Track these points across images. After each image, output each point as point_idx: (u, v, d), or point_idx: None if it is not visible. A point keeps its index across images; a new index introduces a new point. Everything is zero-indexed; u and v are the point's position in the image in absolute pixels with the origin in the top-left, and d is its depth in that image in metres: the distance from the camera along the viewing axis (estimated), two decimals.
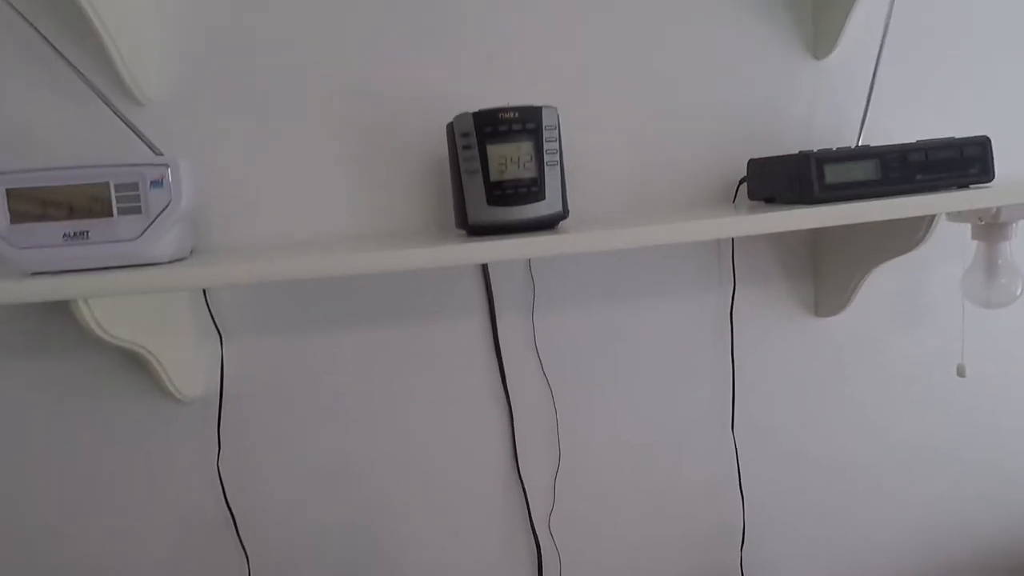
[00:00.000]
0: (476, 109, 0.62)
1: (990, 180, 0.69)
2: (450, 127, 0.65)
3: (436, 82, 0.79)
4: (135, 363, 0.78)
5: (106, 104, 0.64)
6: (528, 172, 0.63)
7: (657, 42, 0.82)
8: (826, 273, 0.88)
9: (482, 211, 0.63)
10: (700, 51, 0.83)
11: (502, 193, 0.63)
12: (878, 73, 0.76)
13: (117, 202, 0.60)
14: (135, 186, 0.61)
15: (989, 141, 0.68)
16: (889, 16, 0.75)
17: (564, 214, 0.65)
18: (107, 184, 0.60)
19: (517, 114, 0.62)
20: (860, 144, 0.84)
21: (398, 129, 0.79)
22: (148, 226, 0.61)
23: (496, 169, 0.62)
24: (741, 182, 0.83)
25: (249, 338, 0.80)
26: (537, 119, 0.62)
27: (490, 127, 0.62)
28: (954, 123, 0.90)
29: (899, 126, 0.89)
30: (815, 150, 0.67)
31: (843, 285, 0.85)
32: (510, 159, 0.62)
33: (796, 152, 0.70)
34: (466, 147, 0.63)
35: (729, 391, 0.90)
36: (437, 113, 0.79)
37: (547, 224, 0.65)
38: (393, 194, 0.80)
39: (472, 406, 0.86)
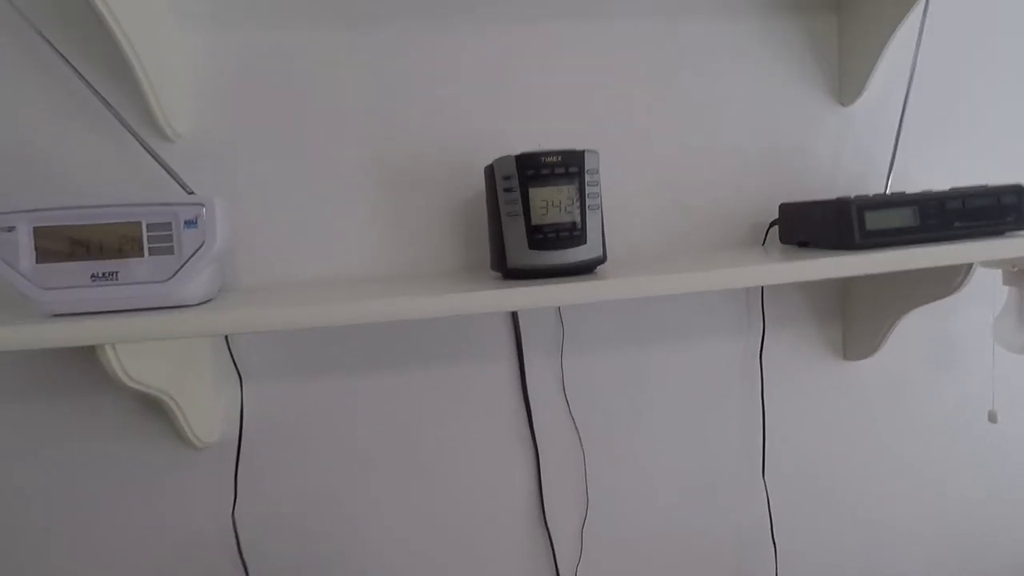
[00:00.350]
0: (515, 152, 0.62)
1: None
2: (489, 169, 0.64)
3: (470, 123, 0.79)
4: (153, 408, 0.75)
5: (137, 140, 0.63)
6: (570, 216, 0.62)
7: (686, 87, 0.83)
8: (856, 317, 0.87)
9: (522, 254, 0.62)
10: (728, 96, 0.84)
11: (543, 237, 0.61)
12: (904, 119, 0.76)
13: (149, 242, 0.59)
14: (168, 226, 0.59)
15: (1023, 189, 0.68)
16: (915, 65, 0.76)
17: (603, 258, 0.64)
18: (139, 223, 0.58)
19: (560, 158, 0.61)
20: (888, 190, 0.85)
21: (430, 169, 0.79)
22: (180, 267, 0.59)
23: (538, 213, 0.61)
24: (772, 225, 0.83)
25: (269, 381, 0.78)
26: (580, 163, 0.62)
27: (532, 170, 0.61)
28: (980, 169, 0.91)
29: (923, 172, 0.89)
30: (853, 196, 0.67)
31: (874, 329, 0.84)
32: (552, 203, 0.62)
33: (833, 198, 0.70)
34: (508, 189, 0.62)
35: (759, 436, 0.88)
36: (470, 154, 0.79)
37: (586, 268, 0.64)
38: (424, 235, 0.79)
39: (497, 451, 0.83)
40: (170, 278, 0.58)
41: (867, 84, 0.83)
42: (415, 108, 0.78)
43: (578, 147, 0.66)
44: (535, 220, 0.61)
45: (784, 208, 0.78)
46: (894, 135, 0.86)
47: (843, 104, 0.86)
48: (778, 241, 0.80)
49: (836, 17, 0.85)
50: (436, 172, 0.79)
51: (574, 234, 0.62)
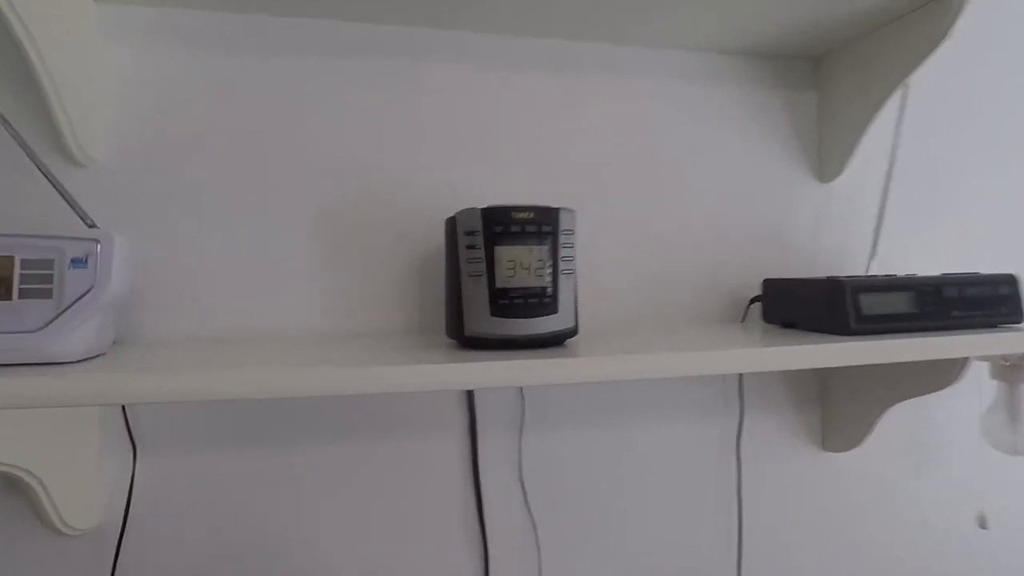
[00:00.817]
0: (481, 205, 0.54)
1: (1020, 320, 0.65)
2: (451, 222, 0.56)
3: (431, 171, 0.72)
4: (9, 487, 0.60)
5: (28, 156, 0.53)
6: (540, 280, 0.54)
7: (667, 150, 0.78)
8: (838, 408, 0.81)
9: (483, 321, 0.53)
10: (709, 163, 0.80)
11: (509, 302, 0.53)
12: (887, 199, 0.73)
13: (22, 282, 0.47)
14: (49, 263, 0.48)
15: (1018, 280, 0.65)
16: (895, 146, 0.74)
17: (575, 330, 0.56)
18: (11, 259, 0.47)
19: (533, 214, 0.54)
20: (868, 272, 0.81)
21: (378, 217, 0.70)
22: (58, 315, 0.47)
23: (504, 274, 0.53)
24: (753, 301, 0.77)
25: (172, 452, 0.65)
26: (554, 222, 0.54)
27: (500, 226, 0.53)
28: (960, 253, 0.89)
29: (900, 254, 0.86)
30: (845, 277, 0.62)
31: (857, 421, 0.78)
32: (520, 264, 0.54)
33: (822, 277, 0.65)
34: (471, 246, 0.54)
35: (735, 529, 0.79)
36: (428, 204, 0.71)
37: (555, 341, 0.55)
38: (372, 290, 0.70)
39: (440, 544, 0.71)
40: (43, 327, 0.47)
41: (847, 163, 0.80)
42: (369, 148, 0.70)
43: (551, 205, 0.58)
44: (500, 282, 0.53)
45: (769, 284, 0.72)
46: (874, 213, 0.83)
47: (823, 181, 0.83)
48: (760, 319, 0.74)
49: (816, 94, 0.83)
50: (389, 221, 0.70)
51: (544, 301, 0.54)
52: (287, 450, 0.68)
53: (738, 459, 0.80)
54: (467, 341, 0.55)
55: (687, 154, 0.79)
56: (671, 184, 0.78)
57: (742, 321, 0.79)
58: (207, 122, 0.66)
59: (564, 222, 0.55)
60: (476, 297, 0.54)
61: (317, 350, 0.56)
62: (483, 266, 0.53)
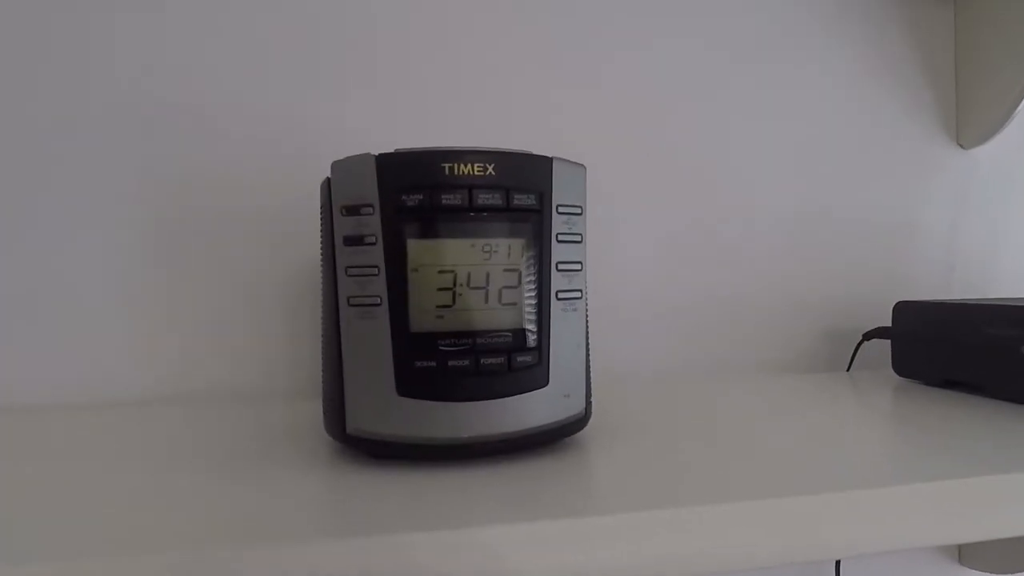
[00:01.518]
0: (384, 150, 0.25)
1: None
2: (325, 189, 0.26)
3: (311, 111, 0.42)
4: None
5: None
6: (509, 314, 0.24)
7: (723, 111, 0.49)
8: None
9: (381, 407, 0.24)
10: (788, 128, 0.50)
11: (439, 365, 0.24)
12: None
13: None
14: None
15: None
16: None
17: (584, 417, 0.27)
18: None
19: (493, 167, 0.24)
20: None
21: (226, 195, 0.41)
22: None
23: (425, 300, 0.24)
24: (868, 337, 0.47)
25: None
26: (541, 185, 0.25)
27: (420, 192, 0.24)
28: None
29: None
30: None
31: None
32: (466, 278, 0.24)
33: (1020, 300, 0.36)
34: (353, 239, 0.24)
35: None
36: (306, 170, 0.42)
37: (541, 441, 0.26)
38: (209, 324, 0.40)
39: None
40: None
41: (1004, 122, 0.51)
42: (213, 76, 0.41)
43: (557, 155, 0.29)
44: (419, 321, 0.24)
45: (902, 311, 0.43)
46: None
47: (964, 146, 0.54)
48: (890, 369, 0.44)
49: (953, 13, 0.54)
50: (245, 199, 0.41)
51: (519, 360, 0.24)
52: None
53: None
54: (354, 443, 0.25)
55: (757, 108, 0.50)
56: (732, 154, 0.49)
57: (848, 370, 0.49)
58: None
59: (564, 188, 0.26)
60: (367, 352, 0.24)
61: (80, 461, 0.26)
62: (380, 283, 0.24)
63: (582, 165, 0.27)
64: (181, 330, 0.40)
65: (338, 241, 0.25)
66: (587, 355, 0.27)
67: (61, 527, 0.19)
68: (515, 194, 0.24)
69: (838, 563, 0.49)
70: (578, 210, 0.26)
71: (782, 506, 0.21)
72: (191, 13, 0.40)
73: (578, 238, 0.26)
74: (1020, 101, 0.50)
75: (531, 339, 0.25)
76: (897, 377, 0.44)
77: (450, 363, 0.24)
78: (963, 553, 0.54)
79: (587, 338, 0.27)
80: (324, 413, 0.27)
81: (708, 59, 0.49)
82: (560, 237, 0.26)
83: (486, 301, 0.24)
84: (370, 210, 0.24)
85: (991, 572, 0.52)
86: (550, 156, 0.26)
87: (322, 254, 0.27)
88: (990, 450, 0.27)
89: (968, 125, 0.53)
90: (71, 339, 0.38)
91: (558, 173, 0.25)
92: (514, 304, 0.25)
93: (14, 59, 0.38)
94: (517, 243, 0.25)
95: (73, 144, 0.39)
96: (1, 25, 0.38)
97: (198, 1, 0.40)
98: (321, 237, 0.27)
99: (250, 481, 0.23)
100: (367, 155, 0.24)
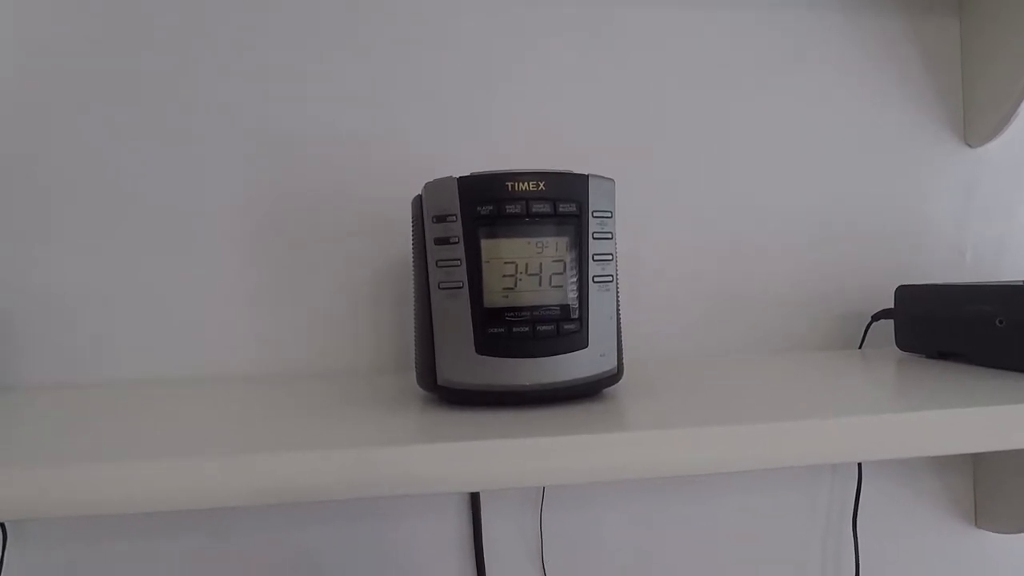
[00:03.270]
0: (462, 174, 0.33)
1: None
2: (417, 203, 0.35)
3: (395, 139, 0.51)
4: None
5: None
6: (558, 294, 0.33)
7: (741, 111, 0.56)
8: (1000, 467, 0.56)
9: (464, 363, 0.33)
10: (803, 127, 0.57)
11: (505, 331, 0.32)
12: None
13: None
14: None
15: None
16: None
17: (617, 373, 0.35)
18: None
19: (543, 184, 0.32)
20: None
21: (326, 207, 0.50)
22: None
23: (496, 284, 0.32)
24: (877, 317, 0.53)
25: (50, 537, 0.47)
26: (581, 197, 0.33)
27: (490, 205, 0.32)
28: None
29: None
30: None
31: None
32: (524, 267, 0.33)
33: (1004, 282, 0.41)
34: (442, 240, 0.33)
35: None
36: (396, 186, 0.51)
37: (584, 392, 0.34)
38: (314, 312, 0.50)
39: None
40: None
41: (1009, 119, 0.56)
42: (310, 114, 0.51)
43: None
44: (491, 299, 0.32)
45: (906, 295, 0.49)
46: None
47: (970, 144, 0.59)
48: (894, 346, 0.50)
49: (959, 20, 0.59)
50: (341, 212, 0.50)
51: (565, 328, 0.33)
52: (222, 537, 0.48)
53: (856, 541, 0.56)
54: (443, 393, 0.34)
55: (773, 109, 0.56)
56: (750, 155, 0.56)
57: (860, 347, 0.55)
58: (64, 95, 0.48)
59: (598, 198, 0.34)
60: (453, 323, 0.33)
61: (234, 418, 0.36)
62: (462, 271, 0.32)
63: (611, 179, 0.35)
64: (286, 317, 0.50)
65: (429, 242, 0.34)
66: (618, 325, 0.35)
67: (233, 440, 0.28)
68: (560, 203, 0.33)
69: (855, 516, 0.55)
70: (608, 214, 0.34)
71: (813, 429, 0.29)
72: (292, 67, 0.50)
73: (609, 235, 0.34)
74: (1019, 100, 0.54)
75: (574, 312, 0.33)
76: (900, 352, 0.50)
77: (514, 330, 0.32)
78: (979, 515, 0.59)
79: (618, 312, 0.35)
80: (416, 371, 0.36)
81: (730, 68, 0.55)
82: (595, 235, 0.34)
83: (540, 284, 0.33)
84: (454, 218, 0.33)
85: (1004, 532, 0.57)
86: (587, 174, 0.34)
87: (414, 252, 0.36)
88: (964, 396, 0.33)
89: (975, 124, 0.58)
90: (201, 325, 0.49)
91: (593, 186, 0.34)
92: (560, 287, 0.33)
93: (163, 93, 0.49)
94: (562, 240, 0.33)
95: (187, 178, 0.49)
96: (149, 65, 0.49)
97: (301, 55, 0.50)
98: (413, 239, 0.36)
99: (368, 417, 0.32)
100: (450, 178, 0.33)
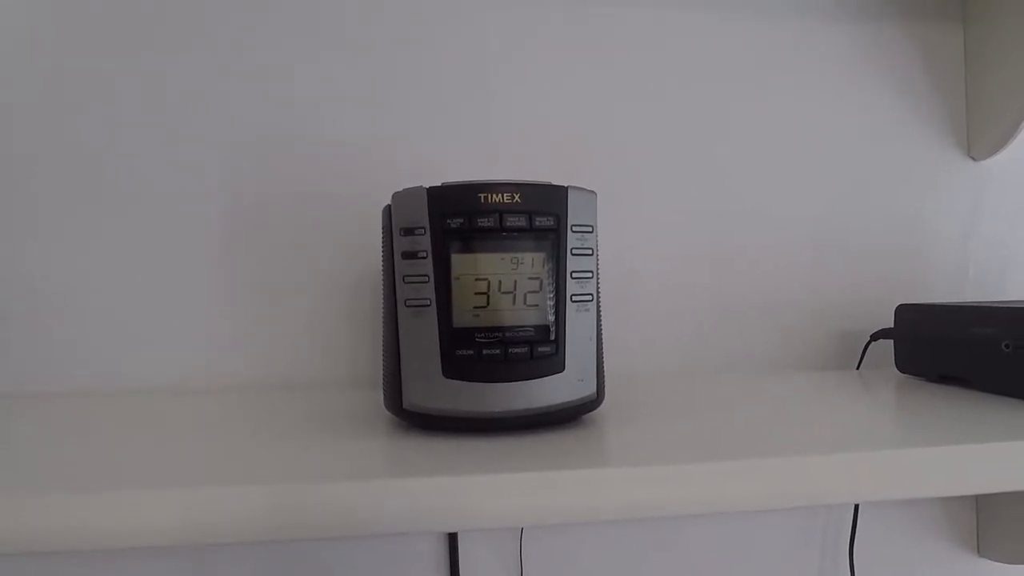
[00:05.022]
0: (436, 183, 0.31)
1: None
2: (386, 214, 0.33)
3: (375, 145, 0.49)
4: None
5: None
6: (531, 313, 0.30)
7: (736, 121, 0.54)
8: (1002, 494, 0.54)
9: (431, 388, 0.30)
10: (801, 138, 0.55)
11: (475, 354, 0.30)
12: None
13: None
14: None
15: None
16: None
17: (597, 399, 0.33)
18: None
19: (519, 196, 0.30)
20: None
21: (305, 212, 0.48)
22: None
23: (465, 302, 0.30)
24: (876, 337, 0.51)
25: None
26: (559, 209, 0.31)
27: (460, 217, 0.30)
28: None
29: None
30: None
31: None
32: (497, 284, 0.30)
33: (1010, 302, 0.39)
34: (409, 254, 0.31)
35: None
36: (375, 194, 0.49)
37: (561, 418, 0.32)
38: (288, 323, 0.48)
39: None
40: None
41: (1014, 132, 0.54)
42: (295, 117, 0.48)
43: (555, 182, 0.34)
44: (460, 318, 0.30)
45: (904, 313, 0.46)
46: None
47: (975, 157, 0.57)
48: (893, 367, 0.48)
49: (962, 27, 0.57)
50: (319, 217, 0.48)
51: (539, 350, 0.30)
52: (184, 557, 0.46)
53: (851, 569, 0.53)
54: (409, 417, 0.32)
55: (770, 119, 0.54)
56: (746, 164, 0.54)
57: (858, 368, 0.53)
58: (47, 93, 0.46)
59: (577, 211, 0.31)
60: (419, 343, 0.30)
61: (188, 440, 0.33)
62: (430, 288, 0.30)
63: (593, 192, 0.32)
64: (258, 329, 0.48)
65: (397, 256, 0.31)
66: (598, 347, 0.33)
67: (182, 469, 0.26)
68: (537, 217, 0.30)
69: (853, 536, 0.53)
70: (589, 228, 0.32)
71: (771, 465, 0.27)
72: (280, 68, 0.48)
73: (589, 251, 0.32)
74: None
75: (550, 333, 0.31)
76: (899, 374, 0.48)
77: (484, 352, 0.30)
78: (981, 543, 0.56)
79: (599, 333, 0.33)
80: (384, 393, 0.33)
81: (729, 75, 0.53)
82: (574, 251, 0.31)
83: (513, 303, 0.30)
84: (422, 231, 0.30)
85: (1008, 562, 0.55)
86: (566, 185, 0.31)
87: (383, 266, 0.33)
88: (968, 429, 0.31)
89: (979, 137, 0.56)
90: (174, 335, 0.47)
91: (572, 199, 0.31)
92: (536, 305, 0.31)
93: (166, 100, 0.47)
94: (539, 256, 0.31)
95: (194, 186, 0.47)
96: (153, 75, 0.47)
97: (287, 55, 0.48)
98: (382, 252, 0.33)
99: (328, 443, 0.30)
100: (420, 188, 0.31)
